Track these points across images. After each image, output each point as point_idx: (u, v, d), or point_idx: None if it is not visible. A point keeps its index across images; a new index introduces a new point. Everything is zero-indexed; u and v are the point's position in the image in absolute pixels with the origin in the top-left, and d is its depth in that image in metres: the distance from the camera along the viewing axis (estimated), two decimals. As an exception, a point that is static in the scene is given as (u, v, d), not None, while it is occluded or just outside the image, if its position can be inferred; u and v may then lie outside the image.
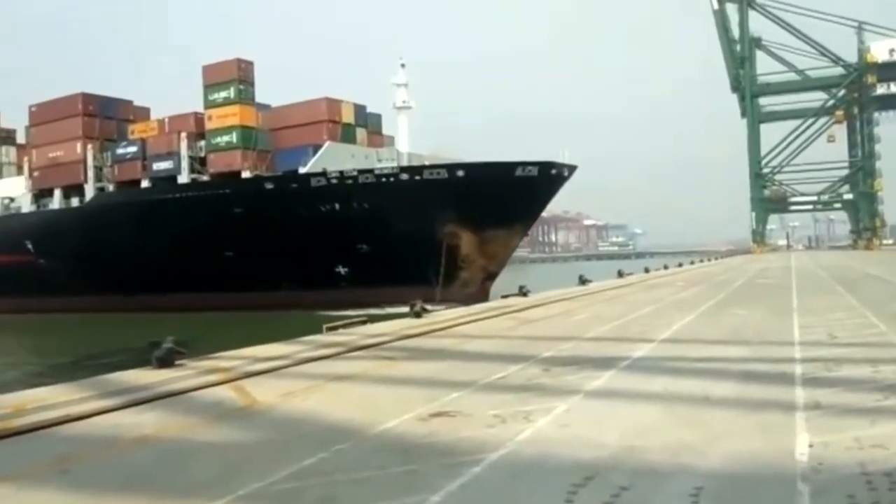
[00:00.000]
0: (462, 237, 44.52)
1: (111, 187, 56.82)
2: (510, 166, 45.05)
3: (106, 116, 58.37)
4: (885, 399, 6.14)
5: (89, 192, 57.13)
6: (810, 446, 4.79)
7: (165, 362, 8.93)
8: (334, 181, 45.89)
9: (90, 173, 57.20)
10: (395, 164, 49.58)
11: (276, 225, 44.52)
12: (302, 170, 48.85)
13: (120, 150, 56.62)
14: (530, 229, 63.38)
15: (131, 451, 5.50)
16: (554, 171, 47.09)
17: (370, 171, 46.63)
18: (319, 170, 47.07)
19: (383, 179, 45.74)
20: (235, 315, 39.02)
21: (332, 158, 48.44)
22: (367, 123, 56.39)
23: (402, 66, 58.94)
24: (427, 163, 47.95)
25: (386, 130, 59.54)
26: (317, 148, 50.07)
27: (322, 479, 4.46)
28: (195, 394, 7.54)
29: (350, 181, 45.75)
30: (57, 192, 58.86)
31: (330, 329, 13.62)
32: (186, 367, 9.02)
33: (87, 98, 57.84)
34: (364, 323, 14.71)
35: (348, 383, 8.08)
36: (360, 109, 55.70)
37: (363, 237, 45.08)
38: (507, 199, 42.87)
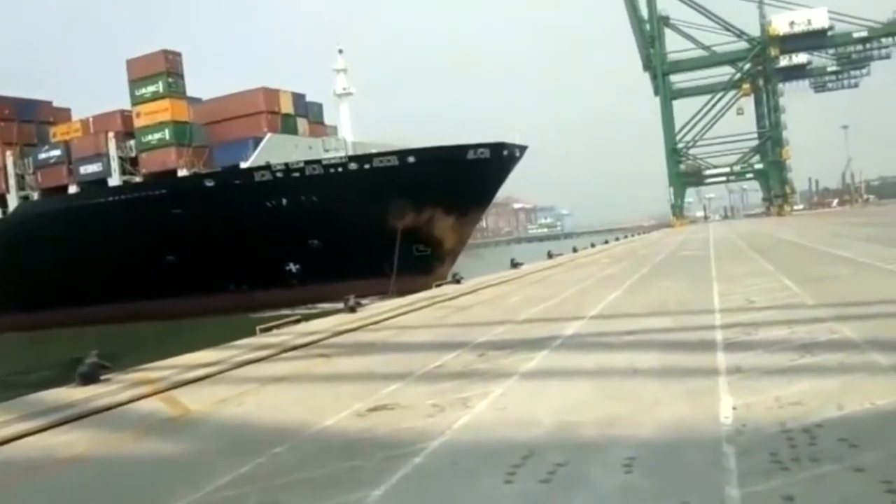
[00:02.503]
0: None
1: (36, 195, 53.45)
2: (462, 149, 44.29)
3: (23, 120, 54.87)
4: (800, 358, 6.47)
5: (12, 201, 53.73)
6: (734, 409, 5.01)
7: (90, 378, 8.62)
8: (280, 174, 44.17)
9: (11, 182, 53.69)
10: (342, 153, 47.90)
11: (220, 224, 42.56)
12: (244, 164, 46.75)
13: (42, 155, 53.17)
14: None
15: (60, 472, 5.32)
16: (506, 153, 46.78)
17: (317, 161, 45.02)
18: (262, 163, 45.19)
19: (332, 170, 44.29)
20: (175, 323, 37.66)
21: (275, 151, 46.43)
22: (308, 113, 54.32)
23: (340, 51, 56.97)
24: (374, 150, 46.64)
25: (327, 120, 57.67)
26: (257, 141, 47.78)
27: (261, 485, 4.40)
28: (124, 408, 7.31)
29: (296, 173, 44.13)
30: None
31: (263, 330, 13.42)
32: (113, 382, 8.73)
33: (2, 101, 54.32)
34: (298, 322, 14.55)
35: (284, 384, 7.99)
36: (299, 98, 53.50)
37: (313, 231, 43.62)
38: (463, 182, 42.25)
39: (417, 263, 42.19)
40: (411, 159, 43.82)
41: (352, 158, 45.67)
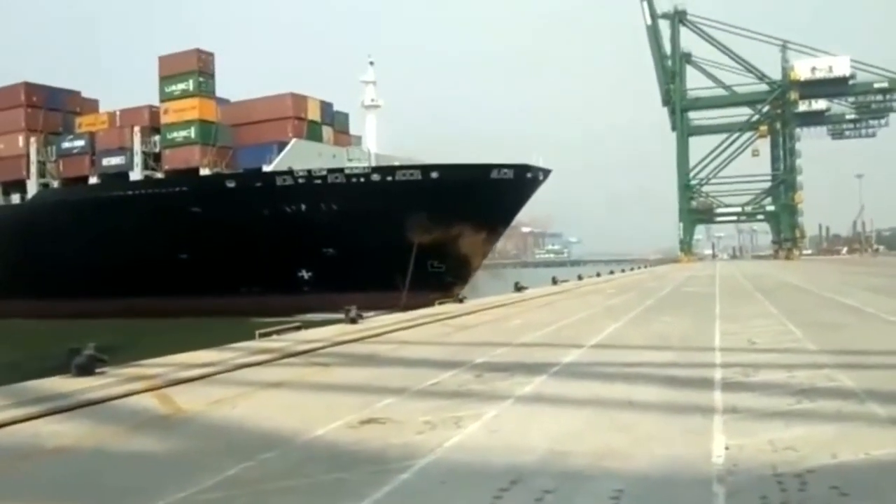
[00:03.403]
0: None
1: (56, 184, 53.71)
2: (485, 168, 44.19)
3: (50, 108, 55.08)
4: (797, 403, 6.42)
5: (32, 188, 53.93)
6: (727, 449, 4.97)
7: (85, 370, 8.64)
8: (302, 180, 44.02)
9: (33, 168, 53.91)
10: (366, 164, 47.64)
11: (237, 226, 42.47)
12: (266, 168, 46.73)
13: (66, 144, 53.49)
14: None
15: (48, 461, 5.31)
16: (529, 175, 46.58)
17: (340, 170, 44.90)
18: (285, 168, 45.11)
19: (354, 180, 44.13)
20: (177, 322, 37.43)
21: (299, 157, 46.46)
22: (334, 122, 54.38)
23: (371, 63, 56.66)
24: (397, 164, 46.42)
25: (353, 131, 57.77)
26: (281, 145, 47.89)
27: (247, 489, 4.38)
28: (116, 402, 7.31)
29: (319, 181, 43.96)
30: None
31: (263, 335, 13.43)
32: (108, 375, 8.75)
33: (31, 88, 54.54)
34: (298, 329, 14.56)
35: (279, 390, 7.98)
36: (326, 107, 53.64)
37: (330, 240, 43.47)
38: (484, 201, 41.98)
39: (432, 280, 41.64)
40: (434, 174, 43.51)
41: (375, 170, 45.39)
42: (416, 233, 40.81)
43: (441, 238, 41.10)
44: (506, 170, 44.74)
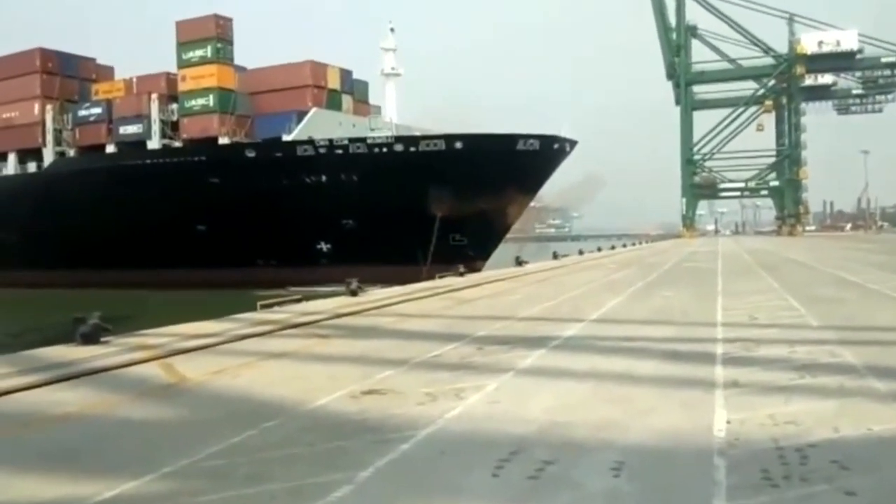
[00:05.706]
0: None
1: (72, 152, 52.96)
2: (511, 139, 43.16)
3: (66, 75, 54.16)
4: (799, 378, 6.43)
5: (48, 156, 53.17)
6: (728, 423, 4.99)
7: (90, 339, 8.68)
8: (323, 150, 43.21)
9: (49, 136, 53.05)
10: (389, 133, 46.23)
11: (256, 197, 41.76)
12: (286, 137, 45.85)
13: (82, 112, 52.57)
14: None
15: (52, 428, 5.34)
16: (556, 146, 45.53)
17: (362, 140, 43.88)
18: (305, 138, 44.31)
19: (376, 150, 43.24)
20: (185, 293, 36.90)
21: (319, 126, 45.53)
22: (354, 90, 53.29)
23: (392, 30, 55.18)
24: (418, 133, 45.25)
25: (372, 100, 56.61)
26: (301, 114, 46.97)
27: (250, 457, 4.42)
28: (121, 371, 7.35)
29: (340, 151, 43.16)
30: (11, 157, 54.47)
31: (264, 307, 13.49)
32: (112, 344, 8.80)
33: (46, 54, 53.57)
34: (299, 301, 14.63)
35: (280, 361, 8.02)
36: (346, 75, 52.61)
37: (350, 211, 42.77)
38: (510, 172, 40.88)
39: (453, 254, 39.48)
40: (459, 145, 42.45)
41: (398, 139, 44.27)
42: (438, 205, 39.80)
43: (464, 211, 40.25)
44: (532, 140, 43.63)
